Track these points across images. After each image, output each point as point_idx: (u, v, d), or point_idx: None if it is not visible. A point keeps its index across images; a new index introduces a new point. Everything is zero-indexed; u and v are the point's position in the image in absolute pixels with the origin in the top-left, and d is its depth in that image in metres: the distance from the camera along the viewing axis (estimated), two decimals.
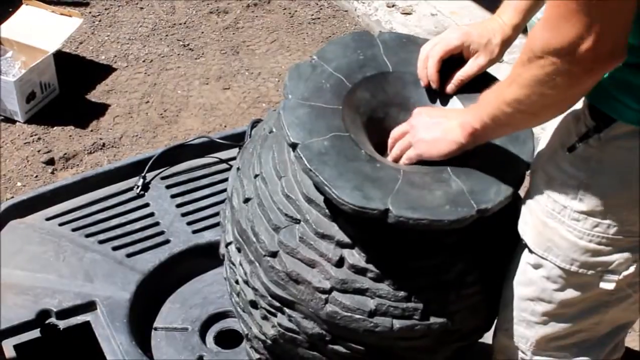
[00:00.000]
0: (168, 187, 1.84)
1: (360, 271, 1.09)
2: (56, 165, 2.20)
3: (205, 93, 2.49)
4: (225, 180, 1.87)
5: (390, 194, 1.04)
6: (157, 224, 1.74)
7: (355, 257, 1.09)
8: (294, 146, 1.08)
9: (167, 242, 1.69)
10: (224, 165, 1.91)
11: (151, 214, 1.76)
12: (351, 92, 1.16)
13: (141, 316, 1.55)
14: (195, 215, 1.77)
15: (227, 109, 2.40)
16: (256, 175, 1.17)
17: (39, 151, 2.22)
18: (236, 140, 1.93)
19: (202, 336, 1.57)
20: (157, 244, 1.69)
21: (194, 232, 1.73)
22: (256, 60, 2.66)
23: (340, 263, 1.09)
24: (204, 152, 1.93)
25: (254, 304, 1.19)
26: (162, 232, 1.72)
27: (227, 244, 1.24)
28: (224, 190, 1.84)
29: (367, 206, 1.02)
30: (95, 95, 2.48)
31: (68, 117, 2.36)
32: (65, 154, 2.23)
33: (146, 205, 1.79)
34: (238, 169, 1.26)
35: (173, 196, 1.82)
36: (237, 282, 1.21)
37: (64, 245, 1.64)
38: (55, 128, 2.34)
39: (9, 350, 1.38)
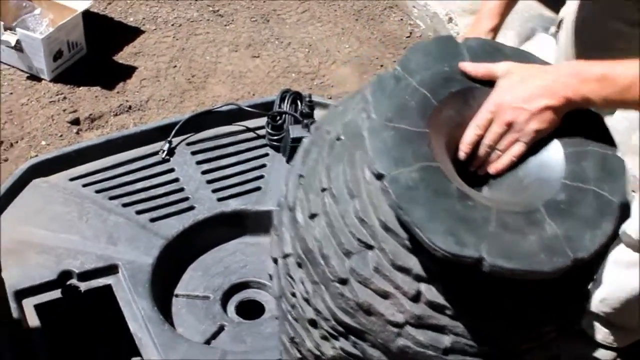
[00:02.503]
0: (194, 153, 1.81)
1: (438, 307, 1.01)
2: (81, 125, 2.18)
3: (234, 60, 2.45)
4: (253, 148, 1.85)
5: (484, 239, 0.96)
6: (181, 189, 1.71)
7: (433, 292, 1.01)
8: (379, 176, 0.98)
9: (191, 208, 1.67)
10: (251, 134, 1.88)
11: (176, 180, 1.74)
12: (437, 112, 1.05)
13: (163, 282, 1.52)
14: (221, 183, 1.74)
15: (256, 77, 2.36)
16: (324, 189, 1.07)
17: (64, 110, 2.20)
18: (265, 109, 1.89)
19: (224, 305, 1.55)
20: (181, 209, 1.66)
21: (219, 199, 1.70)
22: (286, 29, 2.62)
23: (416, 297, 1.01)
24: (232, 120, 1.90)
25: (313, 323, 1.11)
26: (186, 198, 1.69)
27: (285, 256, 1.14)
28: (251, 159, 1.82)
29: (461, 253, 0.94)
30: (123, 57, 2.45)
31: (94, 77, 2.33)
32: (91, 114, 2.20)
33: (171, 170, 1.76)
34: (301, 176, 1.14)
35: (199, 162, 1.79)
36: (293, 295, 1.12)
37: (87, 206, 1.62)
38: (81, 88, 2.31)
39: (29, 311, 1.37)
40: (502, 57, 1.11)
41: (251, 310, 1.57)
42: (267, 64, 2.45)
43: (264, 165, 1.81)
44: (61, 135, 2.14)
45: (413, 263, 1.00)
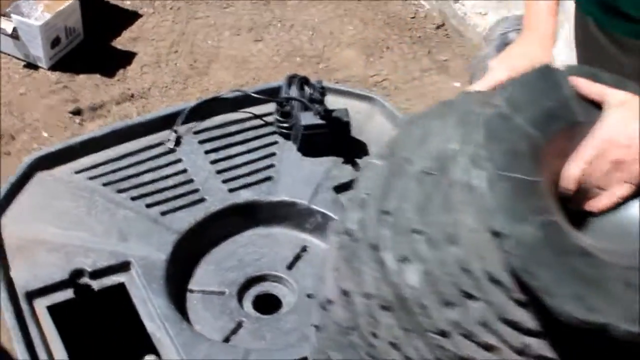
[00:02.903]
0: (201, 142, 1.77)
1: None
2: (83, 115, 2.13)
3: (236, 44, 2.41)
4: (262, 136, 1.80)
5: (612, 302, 0.90)
6: (191, 181, 1.67)
7: (541, 346, 0.95)
8: (498, 234, 0.91)
9: (202, 200, 1.63)
10: (258, 121, 1.83)
11: (184, 171, 1.69)
12: (545, 154, 0.98)
13: (177, 278, 1.49)
14: (231, 173, 1.70)
15: (260, 62, 2.32)
16: (416, 231, 0.98)
17: (65, 100, 2.15)
18: (271, 95, 1.85)
19: (240, 300, 1.51)
20: (192, 202, 1.62)
21: (230, 190, 1.66)
22: (288, 11, 2.57)
23: (523, 351, 0.95)
24: (238, 107, 1.85)
25: None
26: (196, 190, 1.65)
27: (367, 295, 1.05)
28: (260, 147, 1.78)
29: (591, 319, 0.88)
30: (121, 43, 2.40)
31: (93, 64, 2.28)
32: (93, 103, 2.16)
33: (179, 160, 1.72)
34: (385, 212, 1.02)
35: (207, 152, 1.74)
36: (374, 335, 1.04)
37: (95, 200, 1.58)
38: (80, 76, 2.26)
39: (42, 312, 1.33)
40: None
41: (268, 305, 1.53)
42: (271, 48, 2.40)
43: (273, 154, 1.76)
44: (64, 127, 2.09)
45: (521, 316, 0.94)
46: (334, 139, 1.75)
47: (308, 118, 1.71)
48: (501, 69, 1.15)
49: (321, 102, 1.71)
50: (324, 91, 1.71)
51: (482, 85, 1.14)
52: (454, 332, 0.95)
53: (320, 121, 1.69)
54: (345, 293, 1.07)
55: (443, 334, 0.95)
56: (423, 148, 1.01)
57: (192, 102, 1.81)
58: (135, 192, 1.62)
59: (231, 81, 2.21)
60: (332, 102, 1.77)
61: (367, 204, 1.04)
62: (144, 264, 1.44)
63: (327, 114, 1.70)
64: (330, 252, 1.12)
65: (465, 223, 0.94)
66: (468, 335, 0.95)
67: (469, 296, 0.94)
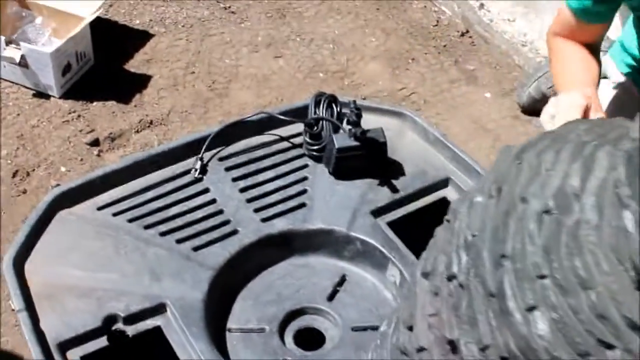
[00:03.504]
0: (227, 169, 1.71)
1: None
2: (101, 146, 2.07)
3: (255, 62, 2.35)
4: (291, 160, 1.75)
5: None
6: (221, 212, 1.61)
7: None
8: None
9: (235, 232, 1.57)
10: (286, 144, 1.78)
11: (213, 201, 1.64)
12: None
13: (215, 317, 1.43)
14: (262, 202, 1.65)
15: (282, 80, 2.26)
16: (541, 276, 0.91)
17: (80, 130, 2.10)
18: (298, 115, 1.79)
19: (281, 337, 1.46)
20: (224, 235, 1.56)
21: (263, 220, 1.60)
22: (306, 24, 2.51)
23: None
24: (264, 129, 1.80)
25: None
26: (228, 222, 1.59)
27: (481, 345, 0.97)
28: (291, 171, 1.72)
29: None
30: (134, 65, 2.34)
31: (107, 90, 2.23)
32: (110, 133, 2.10)
33: (206, 190, 1.66)
34: (503, 256, 0.96)
35: (234, 179, 1.69)
36: None
37: (122, 238, 1.52)
38: (94, 103, 2.21)
39: None
40: None
41: (311, 340, 1.47)
42: (292, 65, 2.35)
43: (305, 178, 1.71)
44: (81, 159, 2.03)
45: None
46: (369, 160, 1.69)
47: (342, 140, 1.65)
48: (577, 96, 1.16)
49: (357, 123, 1.65)
50: (359, 112, 1.65)
51: (569, 114, 1.14)
52: None
53: (354, 143, 1.64)
54: (450, 343, 1.00)
55: None
56: (538, 185, 0.94)
57: (216, 127, 1.76)
58: (163, 227, 1.56)
59: (253, 101, 2.15)
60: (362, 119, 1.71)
61: (477, 247, 0.96)
62: (180, 305, 1.39)
63: (362, 134, 1.64)
64: (419, 295, 1.04)
65: (600, 266, 0.87)
66: None
67: (606, 345, 0.88)
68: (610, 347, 0.88)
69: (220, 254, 1.51)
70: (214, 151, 1.74)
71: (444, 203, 1.72)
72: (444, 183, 1.74)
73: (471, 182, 1.73)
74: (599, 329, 0.88)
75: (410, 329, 1.05)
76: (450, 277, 0.98)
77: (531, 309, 0.92)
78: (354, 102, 1.73)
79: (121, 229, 1.54)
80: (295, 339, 1.47)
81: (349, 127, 1.65)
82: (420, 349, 1.03)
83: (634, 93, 1.54)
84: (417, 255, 1.57)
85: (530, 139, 1.01)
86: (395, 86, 2.17)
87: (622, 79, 1.60)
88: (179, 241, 1.54)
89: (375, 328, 1.47)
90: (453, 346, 1.00)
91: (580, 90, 1.31)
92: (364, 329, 1.47)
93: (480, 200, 0.99)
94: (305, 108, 1.80)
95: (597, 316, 0.88)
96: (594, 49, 1.41)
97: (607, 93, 1.65)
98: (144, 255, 1.49)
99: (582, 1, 1.38)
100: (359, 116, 1.64)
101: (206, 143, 1.72)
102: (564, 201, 0.90)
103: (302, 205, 1.64)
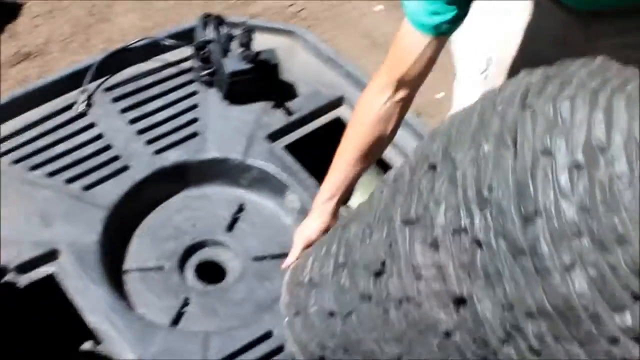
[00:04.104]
0: (115, 100, 1.66)
1: None
2: None
3: None
4: (181, 86, 1.70)
5: None
6: (109, 147, 1.57)
7: None
8: None
9: (126, 168, 1.53)
10: (173, 70, 1.73)
11: (100, 136, 1.59)
12: None
13: (112, 259, 1.41)
14: (153, 132, 1.61)
15: (166, 1, 2.16)
16: (579, 234, 0.87)
17: None
18: (185, 39, 1.74)
19: (181, 273, 1.45)
20: (115, 171, 1.53)
21: (156, 152, 1.57)
22: None
23: None
24: (149, 55, 1.74)
25: None
26: (118, 157, 1.55)
27: (507, 306, 0.93)
28: (181, 99, 1.68)
29: None
30: None
31: None
32: None
33: (92, 125, 1.61)
34: (535, 214, 0.91)
35: (123, 111, 1.64)
36: (503, 341, 0.94)
37: (7, 183, 1.46)
38: None
39: None
40: None
41: (213, 273, 1.48)
42: None
43: (196, 106, 1.67)
44: None
45: None
46: (262, 83, 1.67)
47: (233, 63, 1.61)
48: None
49: (247, 45, 1.61)
50: (250, 33, 1.61)
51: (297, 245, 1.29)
52: (623, 337, 0.89)
53: (246, 66, 1.60)
54: (458, 298, 0.97)
55: (613, 340, 0.89)
56: (561, 138, 0.90)
57: (99, 56, 1.69)
58: (50, 167, 1.51)
59: (138, 25, 2.06)
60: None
61: (498, 203, 0.92)
62: (74, 250, 1.36)
63: (255, 57, 1.60)
64: (399, 243, 0.97)
65: (636, 221, 0.86)
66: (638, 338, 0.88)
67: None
68: None
69: (113, 191, 1.48)
70: (99, 82, 1.67)
71: (338, 123, 1.73)
72: (338, 102, 1.74)
73: None
74: (636, 284, 0.87)
75: (378, 274, 1.00)
76: (458, 231, 0.94)
77: (569, 267, 0.90)
78: (244, 22, 1.68)
79: (5, 173, 1.48)
80: (196, 273, 1.47)
81: (241, 49, 1.61)
82: (405, 299, 0.98)
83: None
84: (318, 178, 1.59)
85: (532, 82, 0.98)
86: (284, 2, 2.12)
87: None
88: (68, 181, 1.49)
89: (276, 257, 1.49)
90: (460, 301, 0.97)
91: (322, 212, 1.30)
92: (265, 257, 1.49)
93: (489, 150, 0.93)
94: (192, 31, 1.74)
95: (634, 271, 0.87)
96: (411, 98, 1.27)
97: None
98: (33, 198, 1.44)
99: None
100: (250, 38, 1.60)
101: (89, 74, 1.65)
102: (592, 155, 0.87)
103: (194, 134, 1.61)
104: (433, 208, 0.93)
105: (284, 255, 1.48)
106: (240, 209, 1.57)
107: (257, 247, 1.50)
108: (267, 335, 1.29)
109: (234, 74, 1.60)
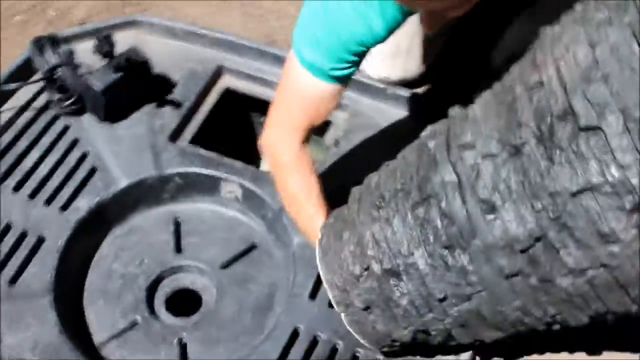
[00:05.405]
0: None
1: None
2: None
3: None
4: (45, 130, 1.49)
5: None
6: (8, 227, 1.37)
7: None
8: None
9: (41, 241, 1.35)
10: (28, 114, 1.53)
11: None
12: None
13: (78, 345, 1.24)
14: (46, 190, 1.42)
15: None
16: None
17: None
18: (24, 75, 1.55)
19: (158, 317, 1.32)
20: (30, 251, 1.34)
21: (61, 209, 1.40)
22: None
23: None
24: None
25: None
26: (25, 234, 1.36)
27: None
28: (54, 142, 1.48)
29: None
30: None
31: None
32: None
33: None
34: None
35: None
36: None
37: None
38: None
39: None
40: None
41: (187, 302, 1.34)
42: None
43: (76, 141, 1.49)
44: None
45: None
46: (138, 87, 1.51)
47: (101, 78, 1.43)
48: None
49: (111, 53, 1.43)
50: (109, 38, 1.43)
51: None
52: None
53: (117, 75, 1.43)
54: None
55: None
56: None
57: None
58: None
59: None
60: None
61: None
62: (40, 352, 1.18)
63: (126, 62, 1.43)
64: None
65: None
66: None
67: None
68: None
69: (40, 274, 1.30)
70: None
71: (230, 93, 1.61)
72: (218, 73, 1.61)
73: (244, 58, 1.61)
74: None
75: (526, 250, 0.86)
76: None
77: None
78: (86, 32, 1.51)
79: None
80: (171, 311, 1.33)
81: (104, 59, 1.44)
82: (591, 268, 0.84)
83: None
84: (239, 157, 1.47)
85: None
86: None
87: None
88: None
89: (243, 253, 1.38)
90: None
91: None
92: (233, 260, 1.37)
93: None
94: (28, 64, 1.55)
95: None
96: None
97: None
98: None
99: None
100: (112, 44, 1.42)
101: None
102: None
103: (93, 171, 1.44)
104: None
105: (251, 249, 1.38)
106: (177, 225, 1.43)
107: (217, 253, 1.38)
108: (295, 334, 1.22)
109: (108, 89, 1.42)
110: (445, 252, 0.89)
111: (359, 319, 0.97)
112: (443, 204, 0.87)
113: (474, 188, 0.85)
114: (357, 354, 1.20)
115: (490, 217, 0.85)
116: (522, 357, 1.09)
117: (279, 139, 1.18)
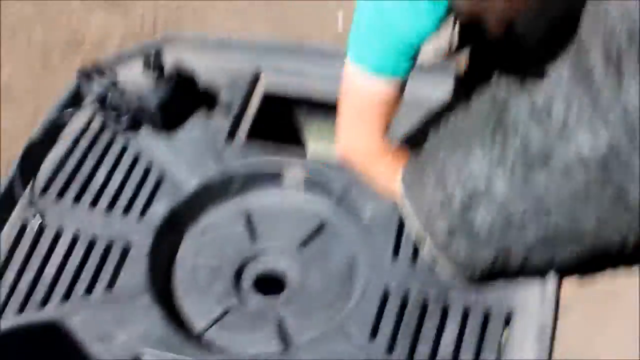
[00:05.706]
0: (58, 196, 1.53)
1: None
2: None
3: None
4: (106, 151, 1.58)
5: None
6: (92, 244, 1.46)
7: None
8: None
9: (127, 252, 1.44)
10: (86, 139, 1.61)
11: (75, 239, 1.47)
12: None
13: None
14: (119, 205, 1.50)
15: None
16: None
17: None
18: (74, 103, 1.63)
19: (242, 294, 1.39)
20: (119, 259, 1.43)
21: (138, 219, 1.48)
22: None
23: None
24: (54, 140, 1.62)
25: None
26: (111, 246, 1.45)
27: None
28: (117, 160, 1.56)
29: None
30: None
31: None
32: None
33: (59, 234, 1.48)
34: None
35: (74, 201, 1.52)
36: None
37: None
38: None
39: None
40: None
41: (272, 284, 1.42)
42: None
43: (139, 155, 1.58)
44: None
45: None
46: (187, 97, 1.61)
47: (155, 91, 1.53)
48: None
49: (161, 67, 1.52)
50: (159, 52, 1.53)
51: None
52: None
53: (168, 87, 1.53)
54: None
55: None
56: None
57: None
58: None
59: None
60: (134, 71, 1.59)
61: None
62: None
63: (175, 76, 1.53)
64: None
65: None
66: None
67: None
68: None
69: (132, 281, 1.38)
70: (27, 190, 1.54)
71: (271, 93, 1.69)
72: (256, 76, 1.70)
73: (277, 58, 1.70)
74: None
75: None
76: None
77: None
78: (157, 51, 1.58)
79: None
80: (258, 289, 1.41)
81: (154, 73, 1.53)
82: None
83: None
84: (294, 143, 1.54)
85: None
86: (133, 22, 1.98)
87: None
88: (87, 291, 1.38)
89: (317, 230, 1.45)
90: None
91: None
92: (309, 238, 1.45)
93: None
94: (77, 93, 1.64)
95: None
96: None
97: None
98: None
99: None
100: (160, 62, 1.52)
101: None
102: None
103: (160, 179, 1.53)
104: None
105: (323, 226, 1.46)
106: (248, 216, 1.51)
107: (292, 235, 1.45)
108: (386, 296, 1.29)
109: (163, 102, 1.52)
110: (525, 170, 0.99)
111: (443, 245, 1.06)
112: (521, 127, 0.96)
113: (549, 110, 0.95)
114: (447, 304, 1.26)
115: (566, 134, 0.95)
116: (599, 272, 1.17)
117: (366, 151, 1.26)
